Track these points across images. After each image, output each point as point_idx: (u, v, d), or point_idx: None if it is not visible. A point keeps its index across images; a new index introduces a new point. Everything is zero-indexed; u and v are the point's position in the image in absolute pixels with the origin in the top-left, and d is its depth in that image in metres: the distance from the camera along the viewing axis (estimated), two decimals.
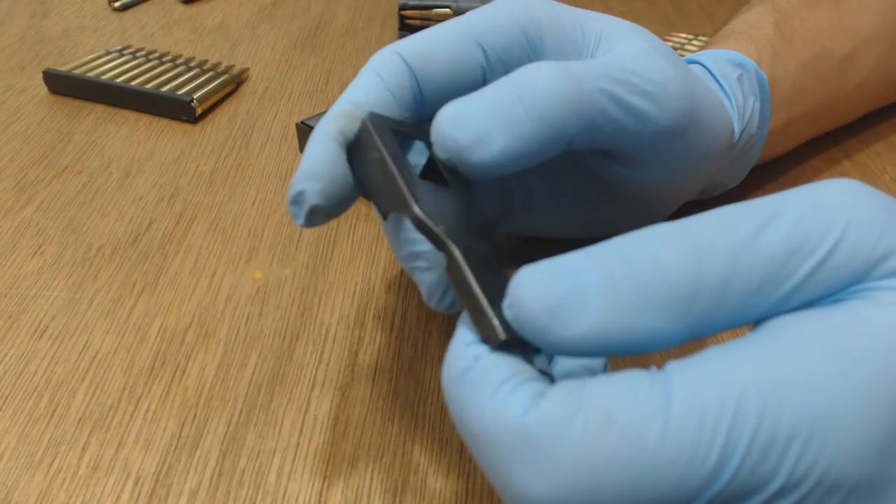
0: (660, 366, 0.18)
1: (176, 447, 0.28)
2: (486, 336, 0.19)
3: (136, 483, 0.26)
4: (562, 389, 0.18)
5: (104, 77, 0.50)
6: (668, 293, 0.17)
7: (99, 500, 0.26)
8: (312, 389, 0.30)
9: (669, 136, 0.27)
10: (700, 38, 0.55)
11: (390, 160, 0.23)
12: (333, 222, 0.39)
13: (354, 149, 0.24)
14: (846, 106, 0.42)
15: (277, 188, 0.42)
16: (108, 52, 0.54)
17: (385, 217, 0.24)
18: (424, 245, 0.25)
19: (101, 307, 0.34)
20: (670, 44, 0.53)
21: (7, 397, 0.30)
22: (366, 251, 0.37)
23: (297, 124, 0.43)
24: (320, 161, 0.24)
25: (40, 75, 0.52)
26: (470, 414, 0.18)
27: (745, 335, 0.18)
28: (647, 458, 0.16)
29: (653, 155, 0.28)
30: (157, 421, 0.28)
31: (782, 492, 0.17)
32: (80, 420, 0.29)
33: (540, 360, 0.21)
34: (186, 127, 0.48)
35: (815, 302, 0.18)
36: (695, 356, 0.18)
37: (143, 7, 0.65)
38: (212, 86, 0.49)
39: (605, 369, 0.23)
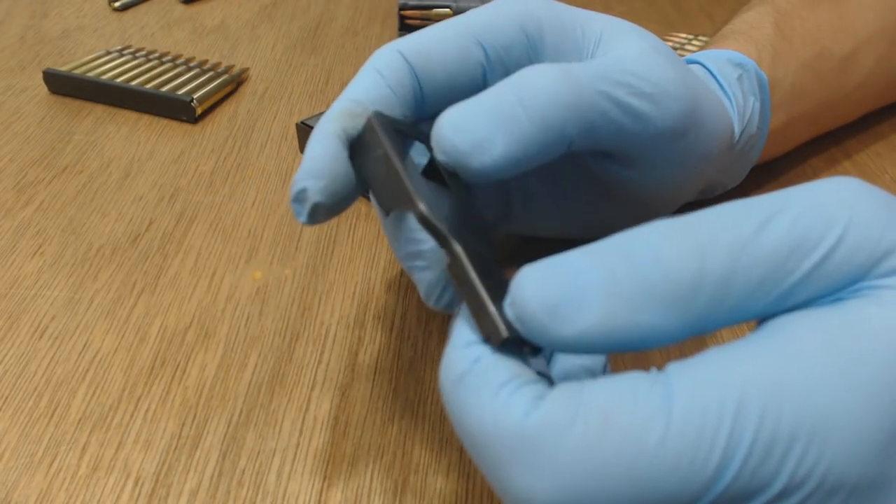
0: (660, 367, 0.18)
1: (176, 447, 0.28)
2: (488, 334, 0.19)
3: (136, 483, 0.26)
4: (562, 391, 0.18)
5: (104, 77, 0.50)
6: (670, 289, 0.17)
7: (99, 500, 0.26)
8: (312, 389, 0.30)
9: (670, 137, 0.27)
10: (700, 38, 0.55)
11: (395, 157, 0.23)
12: (333, 222, 0.39)
13: (357, 146, 0.24)
14: (846, 106, 0.42)
15: (277, 188, 0.42)
16: (108, 52, 0.54)
17: (387, 214, 0.24)
18: (424, 244, 0.25)
19: (101, 307, 0.34)
20: (670, 44, 0.53)
21: (7, 397, 0.30)
22: (366, 251, 0.37)
23: (297, 124, 0.43)
24: (322, 159, 0.24)
25: (40, 75, 0.52)
26: (470, 416, 0.18)
27: (745, 336, 0.18)
28: (647, 460, 0.16)
29: (653, 156, 0.28)
30: (157, 421, 0.28)
31: (784, 493, 0.16)
32: (80, 420, 0.29)
33: (538, 362, 0.21)
34: (186, 127, 0.48)
35: (816, 298, 0.18)
36: (695, 357, 0.18)
37: (143, 7, 0.65)
38: (212, 86, 0.49)
39: (605, 371, 0.23)
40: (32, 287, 0.35)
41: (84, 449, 0.28)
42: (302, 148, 0.44)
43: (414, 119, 0.27)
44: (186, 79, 0.50)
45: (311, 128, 0.42)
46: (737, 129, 0.33)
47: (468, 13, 0.28)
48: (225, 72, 0.52)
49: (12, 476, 0.27)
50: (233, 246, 0.37)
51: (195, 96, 0.47)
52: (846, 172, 0.42)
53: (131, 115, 0.49)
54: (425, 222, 0.22)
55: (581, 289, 0.18)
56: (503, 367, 0.19)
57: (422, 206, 0.22)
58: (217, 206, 0.40)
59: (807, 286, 0.18)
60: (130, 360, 0.31)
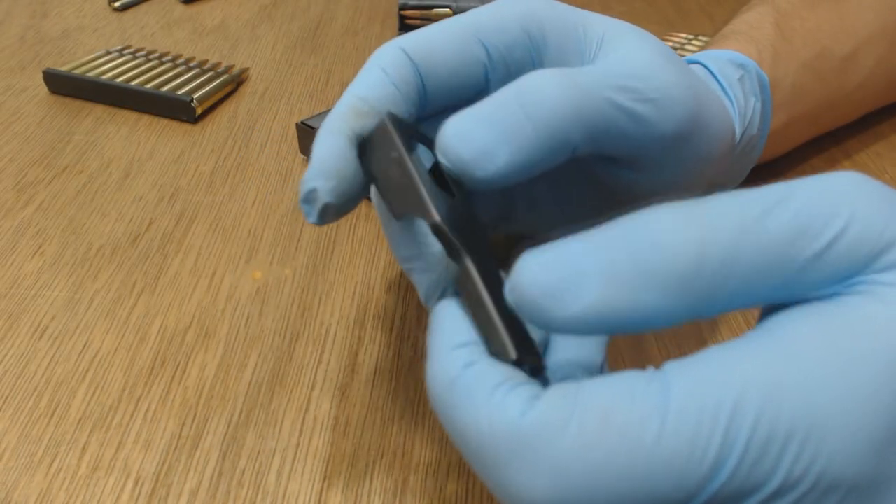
0: (658, 365, 0.18)
1: (176, 447, 0.28)
2: (497, 352, 0.20)
3: (136, 483, 0.26)
4: (558, 391, 0.18)
5: (104, 77, 0.50)
6: (670, 271, 0.17)
7: (99, 500, 0.26)
8: (312, 389, 0.30)
9: (674, 140, 0.27)
10: (700, 38, 0.55)
11: (410, 162, 0.23)
12: (333, 222, 0.39)
13: (366, 146, 0.24)
14: (846, 106, 0.42)
15: (277, 188, 0.42)
16: (108, 52, 0.54)
17: (397, 217, 0.24)
18: (424, 247, 0.25)
19: (101, 307, 0.34)
20: (670, 44, 0.53)
21: (7, 397, 0.30)
22: (366, 251, 0.37)
23: (297, 124, 0.43)
24: (332, 158, 0.23)
25: (40, 75, 0.52)
26: (464, 418, 0.18)
27: (744, 335, 0.18)
28: (644, 458, 0.16)
29: (657, 159, 0.28)
30: (157, 421, 0.28)
31: (780, 491, 0.16)
32: (80, 420, 0.29)
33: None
34: (186, 127, 0.48)
35: (818, 287, 0.18)
36: (693, 356, 0.18)
37: (143, 7, 0.65)
38: (212, 86, 0.49)
39: (603, 370, 0.23)
40: (32, 287, 0.35)
41: (84, 449, 0.27)
42: (302, 148, 0.44)
43: (416, 118, 0.27)
44: (186, 79, 0.50)
45: (312, 128, 0.42)
46: (738, 130, 0.33)
47: (470, 12, 0.28)
48: (225, 72, 0.52)
49: (12, 476, 0.27)
50: (233, 246, 0.37)
51: (195, 96, 0.47)
52: None
53: (131, 115, 0.49)
54: (440, 233, 0.22)
55: (580, 273, 0.18)
56: (496, 370, 0.19)
57: (437, 217, 0.22)
58: (217, 206, 0.40)
59: (809, 274, 0.17)
60: (130, 360, 0.31)
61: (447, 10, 0.57)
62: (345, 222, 0.39)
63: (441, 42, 0.27)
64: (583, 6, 0.29)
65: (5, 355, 0.31)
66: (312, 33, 0.61)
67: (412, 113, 0.26)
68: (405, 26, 0.59)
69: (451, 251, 0.22)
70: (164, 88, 0.49)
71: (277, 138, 0.46)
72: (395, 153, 0.23)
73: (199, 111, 0.48)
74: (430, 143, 0.25)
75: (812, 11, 0.39)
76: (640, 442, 0.16)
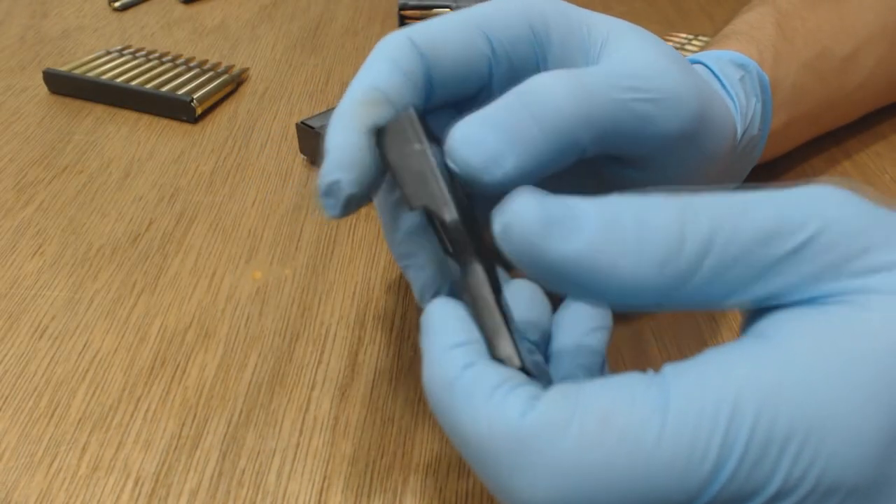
0: (658, 367, 0.18)
1: (176, 447, 0.28)
2: (503, 358, 0.20)
3: (136, 483, 0.26)
4: (558, 392, 0.18)
5: (104, 77, 0.50)
6: (653, 241, 0.18)
7: (99, 500, 0.26)
8: (312, 389, 0.30)
9: (680, 140, 0.27)
10: (700, 38, 0.54)
11: (433, 157, 0.23)
12: (333, 222, 0.39)
13: (383, 135, 0.24)
14: (847, 106, 0.42)
15: (277, 188, 0.42)
16: (108, 52, 0.54)
17: (412, 208, 0.24)
18: (422, 244, 0.25)
19: (101, 307, 0.34)
20: (670, 44, 0.53)
21: (7, 397, 0.30)
22: (366, 251, 0.37)
23: (297, 124, 0.43)
24: (351, 149, 0.23)
25: (40, 75, 0.52)
26: (463, 419, 0.18)
27: (741, 338, 0.18)
28: (644, 459, 0.16)
29: (662, 159, 0.28)
30: (157, 421, 0.28)
31: (780, 494, 0.16)
32: (80, 420, 0.29)
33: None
34: (186, 127, 0.48)
35: (797, 287, 0.18)
36: (692, 359, 0.18)
37: (143, 7, 0.65)
38: (212, 86, 0.49)
39: (603, 372, 0.23)
40: (32, 287, 0.35)
41: (84, 449, 0.27)
42: (302, 148, 0.44)
43: (422, 110, 0.27)
44: (186, 79, 0.50)
45: (312, 128, 0.42)
46: (739, 130, 0.33)
47: (475, 6, 0.27)
48: (225, 72, 0.52)
49: (12, 476, 0.27)
50: (233, 246, 0.37)
51: (195, 96, 0.47)
52: (846, 172, 0.42)
53: (131, 115, 0.49)
54: (456, 233, 0.22)
55: (576, 220, 0.18)
56: (495, 370, 0.19)
57: (455, 215, 0.22)
58: (217, 206, 0.40)
59: (784, 271, 0.18)
60: (130, 360, 0.31)
61: (447, 10, 0.57)
62: (345, 222, 0.39)
63: (448, 34, 0.26)
64: (583, 6, 0.29)
65: (5, 355, 0.31)
66: (312, 33, 0.61)
67: (419, 105, 0.26)
68: (405, 26, 0.59)
69: (460, 252, 0.22)
70: (164, 88, 0.49)
71: (277, 138, 0.46)
72: (418, 145, 0.23)
73: (199, 111, 0.48)
74: (435, 139, 0.25)
75: (813, 11, 0.39)
76: (641, 444, 0.16)
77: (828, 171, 0.42)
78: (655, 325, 0.32)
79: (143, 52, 0.54)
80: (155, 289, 0.35)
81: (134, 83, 0.49)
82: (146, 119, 0.48)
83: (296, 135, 0.44)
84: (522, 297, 0.24)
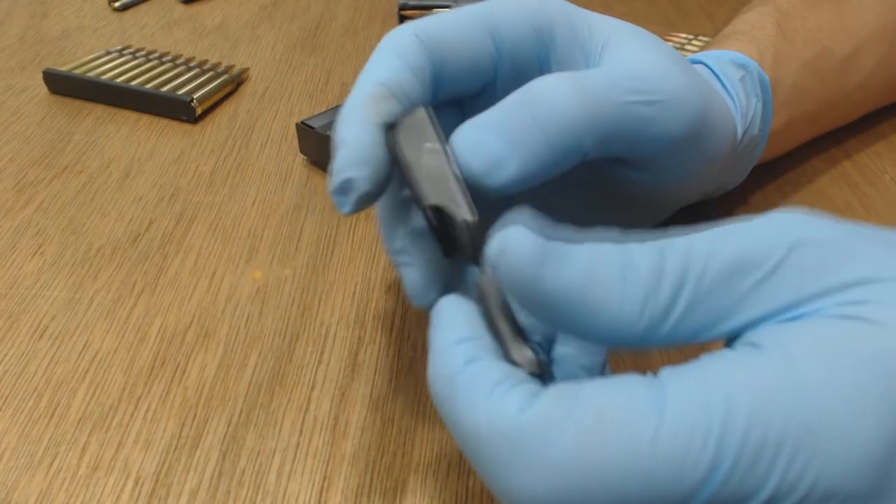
0: (658, 368, 0.18)
1: (176, 447, 0.28)
2: (516, 362, 0.20)
3: (136, 483, 0.26)
4: (557, 390, 0.18)
5: (104, 77, 0.50)
6: (636, 277, 0.18)
7: (99, 500, 0.26)
8: (312, 389, 0.30)
9: (682, 141, 0.27)
10: (700, 38, 0.54)
11: (449, 156, 0.23)
12: (333, 222, 0.39)
13: (395, 132, 0.24)
14: (847, 106, 0.42)
15: (277, 188, 0.41)
16: (108, 52, 0.54)
17: (424, 206, 0.24)
18: (419, 242, 0.25)
19: (101, 307, 0.34)
20: (670, 44, 0.53)
21: (7, 397, 0.29)
22: (366, 251, 0.37)
23: (297, 124, 0.43)
24: (365, 146, 0.23)
25: (40, 75, 0.52)
26: (463, 414, 0.18)
27: (734, 347, 0.19)
28: (640, 459, 0.16)
29: (664, 160, 0.28)
30: (157, 421, 0.28)
31: (774, 499, 0.17)
32: (80, 420, 0.29)
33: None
34: (186, 127, 0.48)
35: (778, 311, 0.18)
36: (689, 363, 0.18)
37: (143, 7, 0.65)
38: (212, 86, 0.49)
39: (604, 371, 0.23)
40: (32, 287, 0.35)
41: (84, 449, 0.27)
42: (302, 148, 0.44)
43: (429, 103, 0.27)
44: (186, 79, 0.50)
45: (312, 128, 0.42)
46: (739, 130, 0.33)
47: (481, 3, 0.27)
48: (225, 72, 0.52)
49: (12, 476, 0.27)
50: (233, 246, 0.37)
51: (195, 96, 0.47)
52: (846, 172, 0.42)
53: (131, 115, 0.49)
54: (472, 235, 0.22)
55: (569, 251, 0.18)
56: (497, 367, 0.19)
57: (474, 216, 0.22)
58: (217, 206, 0.40)
59: (760, 298, 0.18)
60: (130, 360, 0.31)
61: (447, 10, 0.57)
62: (345, 222, 0.39)
63: (453, 32, 0.26)
64: (583, 6, 0.29)
65: (5, 355, 0.31)
66: (312, 33, 0.61)
67: (425, 101, 0.26)
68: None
69: (476, 253, 0.22)
70: (164, 88, 0.49)
71: (277, 138, 0.46)
72: (433, 144, 0.23)
73: (199, 111, 0.48)
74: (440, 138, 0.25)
75: (813, 11, 0.39)
76: (637, 444, 0.16)
77: (828, 171, 0.42)
78: None
79: (143, 52, 0.54)
80: (155, 289, 0.35)
81: (134, 83, 0.49)
82: (146, 119, 0.48)
83: (296, 135, 0.44)
84: None
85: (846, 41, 0.39)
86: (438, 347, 0.20)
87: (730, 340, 0.19)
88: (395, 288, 0.35)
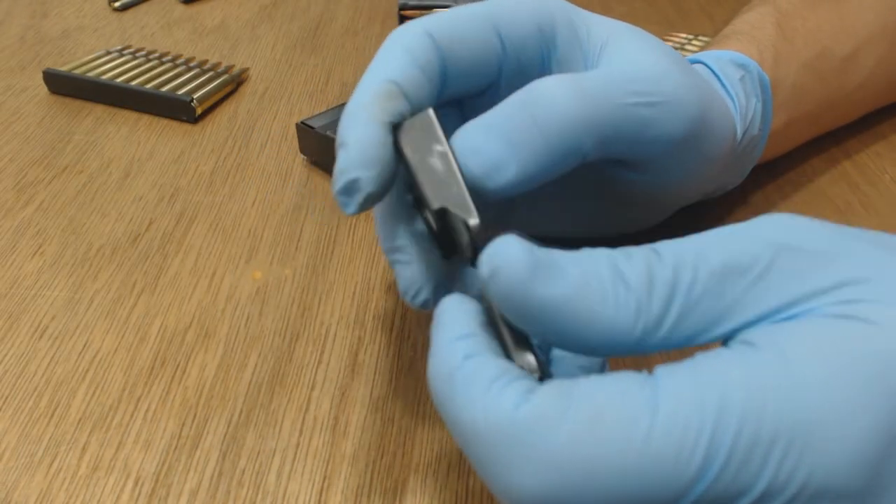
0: (650, 370, 0.18)
1: (176, 447, 0.28)
2: (524, 367, 0.20)
3: (136, 483, 0.26)
4: (553, 386, 0.18)
5: (104, 77, 0.50)
6: (626, 288, 0.18)
7: (99, 500, 0.26)
8: (312, 389, 0.30)
9: (682, 142, 0.27)
10: (700, 38, 0.55)
11: (455, 160, 0.23)
12: (333, 222, 0.39)
13: (402, 132, 0.24)
14: (847, 106, 0.42)
15: (277, 188, 0.42)
16: (108, 52, 0.54)
17: (430, 209, 0.24)
18: (418, 242, 0.25)
19: (101, 307, 0.34)
20: (670, 44, 0.53)
21: (7, 397, 0.30)
22: (366, 251, 0.37)
23: (297, 124, 0.43)
24: (371, 146, 0.23)
25: (40, 75, 0.52)
26: (460, 410, 0.18)
27: (728, 345, 0.19)
28: (634, 455, 0.17)
29: (664, 161, 0.28)
30: (157, 421, 0.28)
31: (766, 496, 0.17)
32: (80, 420, 0.29)
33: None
34: (186, 127, 0.48)
35: (769, 314, 0.18)
36: (683, 361, 0.18)
37: (143, 7, 0.65)
38: (212, 86, 0.49)
39: (604, 369, 0.23)
40: (32, 287, 0.35)
41: (84, 449, 0.27)
42: (302, 148, 0.44)
43: (436, 101, 0.27)
44: (186, 79, 0.50)
45: (312, 128, 0.42)
46: (739, 130, 0.33)
47: (487, 2, 0.27)
48: (225, 72, 0.52)
49: (12, 476, 0.27)
50: (233, 246, 0.37)
51: (195, 96, 0.47)
52: (846, 172, 0.42)
53: (131, 115, 0.49)
54: (479, 238, 0.22)
55: (560, 266, 0.18)
56: (495, 363, 0.19)
57: (478, 221, 0.22)
58: (217, 206, 0.40)
59: (751, 302, 0.18)
60: (130, 360, 0.31)
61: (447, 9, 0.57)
62: (345, 222, 0.39)
63: (462, 30, 0.26)
64: (583, 6, 0.29)
65: (5, 355, 0.31)
66: (312, 33, 0.61)
67: (434, 99, 0.26)
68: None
69: (473, 255, 0.22)
70: (164, 88, 0.49)
71: (277, 138, 0.46)
72: (440, 146, 0.23)
73: (199, 111, 0.48)
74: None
75: (813, 11, 0.39)
76: (630, 441, 0.17)
77: (828, 171, 0.42)
78: None
79: (143, 52, 0.54)
80: (155, 289, 0.35)
81: (134, 83, 0.49)
82: (146, 119, 0.48)
83: (296, 135, 0.44)
84: None
85: (846, 41, 0.39)
86: (438, 344, 0.20)
87: (725, 340, 0.19)
88: (395, 288, 0.35)
